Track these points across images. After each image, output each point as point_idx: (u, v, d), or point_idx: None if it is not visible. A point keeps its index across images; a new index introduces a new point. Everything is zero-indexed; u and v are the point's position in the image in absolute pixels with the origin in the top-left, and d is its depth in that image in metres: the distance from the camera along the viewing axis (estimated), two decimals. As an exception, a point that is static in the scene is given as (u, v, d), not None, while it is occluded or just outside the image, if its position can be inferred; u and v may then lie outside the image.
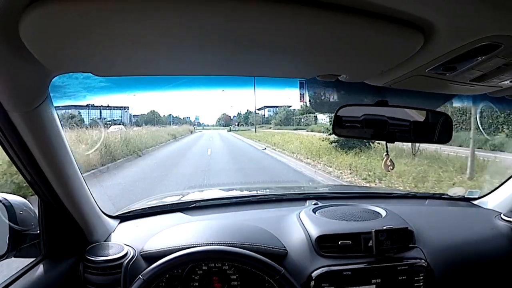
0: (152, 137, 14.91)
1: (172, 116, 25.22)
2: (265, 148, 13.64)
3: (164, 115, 24.42)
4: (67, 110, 14.13)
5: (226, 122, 27.68)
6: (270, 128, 23.02)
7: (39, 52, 0.66)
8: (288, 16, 0.58)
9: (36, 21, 0.55)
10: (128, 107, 19.96)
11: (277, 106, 23.96)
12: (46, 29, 0.58)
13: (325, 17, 0.59)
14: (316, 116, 18.55)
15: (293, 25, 0.61)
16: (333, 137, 9.83)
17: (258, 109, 25.35)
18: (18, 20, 0.55)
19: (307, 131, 17.59)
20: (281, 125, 22.35)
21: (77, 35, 0.61)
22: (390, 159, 1.13)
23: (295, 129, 19.61)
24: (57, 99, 0.95)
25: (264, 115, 25.28)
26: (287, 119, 22.53)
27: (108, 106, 18.97)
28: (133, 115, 21.13)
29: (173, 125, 23.94)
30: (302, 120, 20.91)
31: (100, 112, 18.85)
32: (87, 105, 17.31)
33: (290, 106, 22.43)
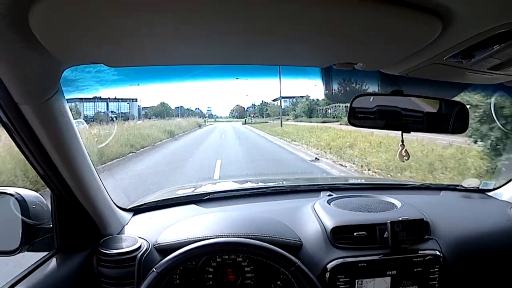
0: (126, 141, 9.87)
1: (182, 107, 24.31)
2: (318, 159, 8.82)
3: (176, 107, 23.50)
4: (72, 103, 14.00)
5: (239, 113, 26.56)
6: (288, 120, 20.97)
7: (50, 43, 0.66)
8: (305, 4, 0.57)
9: (46, 11, 0.54)
10: (136, 99, 19.53)
11: (293, 97, 22.58)
12: (56, 19, 0.57)
13: (341, 4, 0.58)
14: (347, 106, 16.20)
15: (310, 12, 0.60)
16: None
17: (273, 100, 24.45)
18: (28, 10, 0.55)
19: (340, 124, 14.87)
20: (301, 117, 20.19)
21: (87, 25, 0.60)
22: (405, 150, 1.11)
23: (323, 122, 16.89)
24: (69, 93, 0.95)
25: (280, 106, 24.10)
26: (310, 110, 20.32)
27: (115, 98, 18.66)
28: (142, 107, 20.79)
29: (181, 117, 22.15)
30: (329, 111, 18.56)
31: (107, 105, 18.58)
32: (94, 98, 17.04)
33: (309, 96, 20.73)
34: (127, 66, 0.87)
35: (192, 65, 0.90)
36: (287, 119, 21.08)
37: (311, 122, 17.81)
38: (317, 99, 19.93)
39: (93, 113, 16.97)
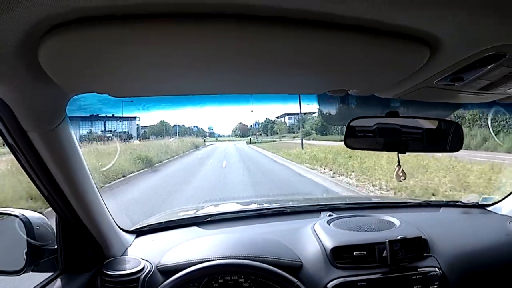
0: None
1: (181, 126, 22.77)
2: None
3: (174, 125, 22.01)
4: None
5: (242, 132, 25.37)
6: (295, 138, 19.38)
7: (57, 75, 0.69)
8: (300, 37, 0.60)
9: (54, 46, 0.57)
10: (135, 117, 18.35)
11: (299, 113, 20.75)
12: (64, 54, 0.60)
13: (335, 37, 0.61)
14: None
15: (305, 44, 0.63)
16: None
17: (277, 117, 23.51)
18: (37, 47, 0.58)
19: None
20: (311, 135, 18.21)
21: (94, 59, 0.63)
22: (402, 170, 1.13)
23: (342, 140, 13.68)
24: (71, 112, 0.97)
25: (285, 123, 23.33)
26: (324, 126, 18.10)
27: (113, 116, 17.49)
28: (142, 126, 19.99)
29: (178, 136, 20.23)
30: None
31: (104, 124, 17.48)
32: (90, 116, 15.99)
33: (313, 113, 19.25)
34: (130, 96, 0.90)
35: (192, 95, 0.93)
36: (293, 137, 19.84)
37: (327, 140, 15.27)
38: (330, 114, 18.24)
39: (86, 133, 16.10)
